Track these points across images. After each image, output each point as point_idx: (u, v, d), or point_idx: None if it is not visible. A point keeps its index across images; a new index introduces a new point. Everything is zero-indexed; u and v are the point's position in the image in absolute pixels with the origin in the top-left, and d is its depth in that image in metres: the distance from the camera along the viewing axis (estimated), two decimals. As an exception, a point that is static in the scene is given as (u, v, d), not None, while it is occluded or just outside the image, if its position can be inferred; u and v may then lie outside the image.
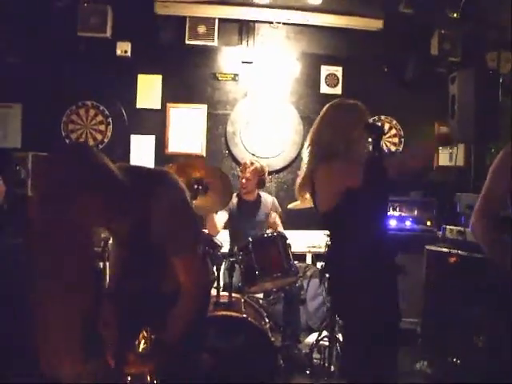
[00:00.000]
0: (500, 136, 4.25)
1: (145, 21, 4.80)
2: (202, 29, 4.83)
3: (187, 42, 4.85)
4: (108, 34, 4.65)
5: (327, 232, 2.60)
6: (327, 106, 2.21)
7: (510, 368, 1.89)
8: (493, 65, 5.07)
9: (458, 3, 4.41)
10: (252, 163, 4.03)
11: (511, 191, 1.90)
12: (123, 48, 4.78)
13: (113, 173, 1.61)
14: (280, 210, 4.17)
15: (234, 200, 4.05)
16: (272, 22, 4.98)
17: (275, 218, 4.12)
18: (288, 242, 3.44)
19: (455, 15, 4.51)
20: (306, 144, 2.22)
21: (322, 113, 2.20)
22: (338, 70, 5.17)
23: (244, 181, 4.01)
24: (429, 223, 4.51)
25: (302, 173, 2.21)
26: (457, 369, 3.09)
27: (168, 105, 4.96)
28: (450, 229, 3.67)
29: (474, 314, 2.91)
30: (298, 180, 2.24)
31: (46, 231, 1.42)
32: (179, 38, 4.86)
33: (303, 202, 2.33)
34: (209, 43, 4.88)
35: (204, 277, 2.03)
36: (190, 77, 5.03)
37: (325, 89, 5.17)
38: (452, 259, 3.45)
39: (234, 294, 3.16)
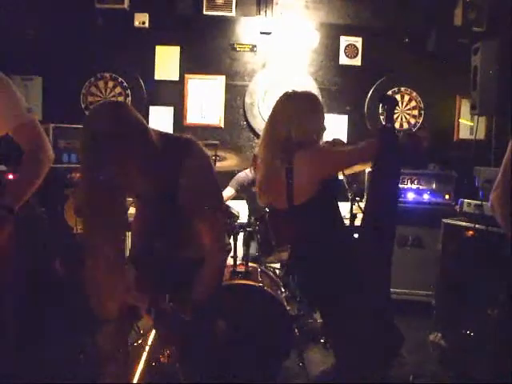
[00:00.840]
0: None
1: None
2: (220, -1, 4.78)
3: (205, 12, 4.79)
4: (126, 5, 4.63)
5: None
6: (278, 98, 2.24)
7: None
8: (519, 35, 4.92)
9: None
10: None
11: None
12: (141, 19, 4.76)
13: (148, 131, 1.72)
14: None
15: (250, 175, 4.07)
16: (291, -8, 4.90)
17: None
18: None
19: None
20: (261, 141, 2.22)
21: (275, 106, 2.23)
22: (358, 41, 5.08)
23: None
24: (447, 197, 4.47)
25: (263, 171, 2.20)
26: (470, 341, 3.12)
27: (186, 76, 4.95)
28: (468, 202, 3.64)
29: (488, 287, 2.91)
30: (261, 179, 2.23)
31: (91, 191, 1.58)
32: (197, 9, 4.80)
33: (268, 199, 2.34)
34: (227, 14, 4.82)
35: (224, 241, 2.08)
36: (208, 48, 5.00)
37: (344, 60, 5.09)
38: (469, 233, 3.43)
39: (250, 264, 3.21)
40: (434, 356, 3.34)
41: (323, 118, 2.21)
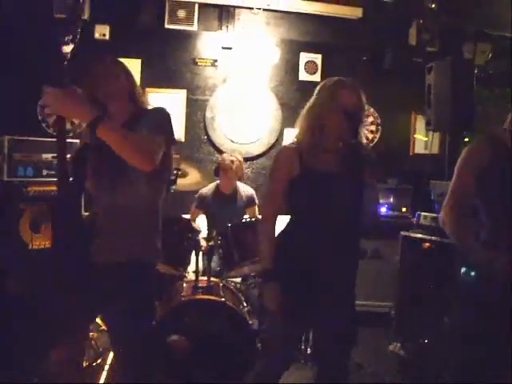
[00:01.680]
0: (474, 125, 4.38)
1: (124, 3, 4.73)
2: (181, 13, 4.79)
3: (167, 26, 4.80)
4: (86, 16, 4.56)
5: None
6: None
7: (471, 346, 1.98)
8: (469, 56, 5.17)
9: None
10: (233, 160, 3.98)
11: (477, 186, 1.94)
12: (101, 31, 4.71)
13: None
14: (257, 202, 4.19)
15: (210, 192, 4.07)
16: (252, 8, 4.97)
17: (255, 210, 4.17)
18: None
19: (433, 6, 4.58)
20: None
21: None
22: (318, 58, 5.20)
23: (228, 181, 4.02)
24: (404, 210, 4.61)
25: None
26: (426, 349, 3.20)
27: (147, 89, 4.92)
28: (425, 215, 3.76)
29: (445, 297, 3.01)
30: None
31: None
32: (159, 22, 4.80)
33: None
34: (188, 28, 4.84)
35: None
36: (169, 61, 4.99)
37: (304, 76, 5.20)
38: (425, 244, 3.54)
39: (212, 278, 3.20)
40: (394, 366, 3.40)
41: None
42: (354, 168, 1.90)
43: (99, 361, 2.74)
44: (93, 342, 2.72)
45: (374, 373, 3.31)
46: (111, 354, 2.91)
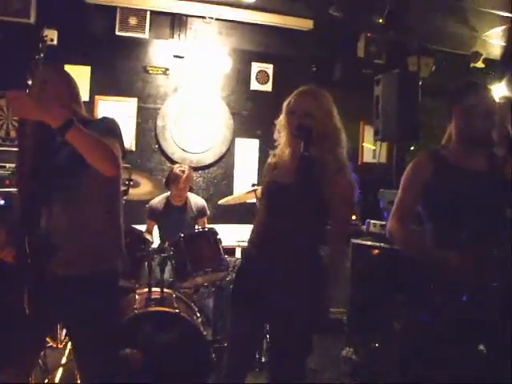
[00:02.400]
0: (420, 135, 4.56)
1: (73, 8, 4.60)
2: (133, 20, 4.73)
3: (117, 33, 4.73)
4: (32, 19, 4.42)
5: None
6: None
7: (421, 349, 2.05)
8: (413, 68, 5.39)
9: (383, 10, 4.64)
10: (183, 171, 3.95)
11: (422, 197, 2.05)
12: (49, 36, 4.57)
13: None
14: (208, 213, 4.19)
15: (160, 204, 4.03)
16: (205, 17, 4.97)
17: (205, 221, 4.16)
18: (218, 236, 3.48)
19: (380, 21, 4.74)
20: None
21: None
22: (269, 68, 5.27)
23: (179, 192, 3.99)
24: (354, 218, 4.71)
25: None
26: (377, 354, 3.28)
27: (96, 97, 4.81)
28: (374, 223, 3.86)
29: (394, 301, 3.09)
30: None
31: None
32: (109, 29, 4.72)
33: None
34: (140, 35, 4.79)
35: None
36: (119, 69, 4.91)
37: (255, 85, 5.25)
38: (375, 252, 3.64)
39: (165, 290, 3.15)
40: (346, 370, 3.46)
41: None
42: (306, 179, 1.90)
43: (46, 381, 2.64)
44: (40, 360, 2.61)
45: (328, 378, 3.36)
46: (60, 372, 2.81)
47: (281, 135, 2.11)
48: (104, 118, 2.04)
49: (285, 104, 2.11)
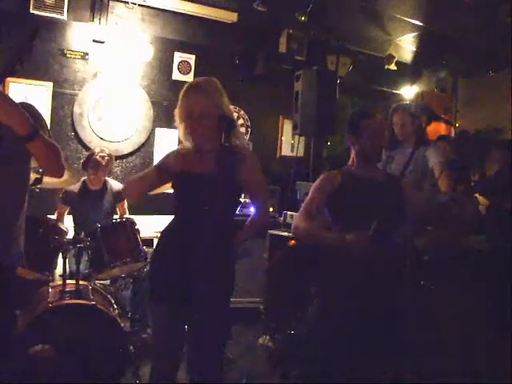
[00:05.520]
0: (335, 131, 4.76)
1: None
2: (49, -1, 4.49)
3: (32, 11, 4.45)
4: None
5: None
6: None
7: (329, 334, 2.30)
8: (332, 67, 5.61)
9: (306, 9, 4.78)
10: (103, 157, 3.88)
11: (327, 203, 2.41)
12: (-47, 11, 4.25)
13: None
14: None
15: (76, 189, 3.90)
16: (127, 2, 4.83)
17: (124, 205, 4.08)
18: (137, 227, 3.44)
19: (303, 18, 4.88)
20: None
21: None
22: (191, 58, 5.24)
23: (97, 177, 3.89)
24: (271, 209, 4.84)
25: None
26: (293, 340, 3.42)
27: (8, 79, 4.54)
28: (291, 215, 4.00)
29: (308, 290, 3.23)
30: None
31: None
32: (23, 7, 4.42)
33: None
34: (57, 16, 4.54)
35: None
36: (34, 50, 4.63)
37: (177, 75, 5.20)
38: (291, 242, 3.77)
39: (81, 282, 3.08)
40: (264, 357, 3.57)
41: None
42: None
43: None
44: None
45: (246, 365, 3.44)
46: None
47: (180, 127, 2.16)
48: (27, 107, 1.94)
49: (179, 102, 2.15)
